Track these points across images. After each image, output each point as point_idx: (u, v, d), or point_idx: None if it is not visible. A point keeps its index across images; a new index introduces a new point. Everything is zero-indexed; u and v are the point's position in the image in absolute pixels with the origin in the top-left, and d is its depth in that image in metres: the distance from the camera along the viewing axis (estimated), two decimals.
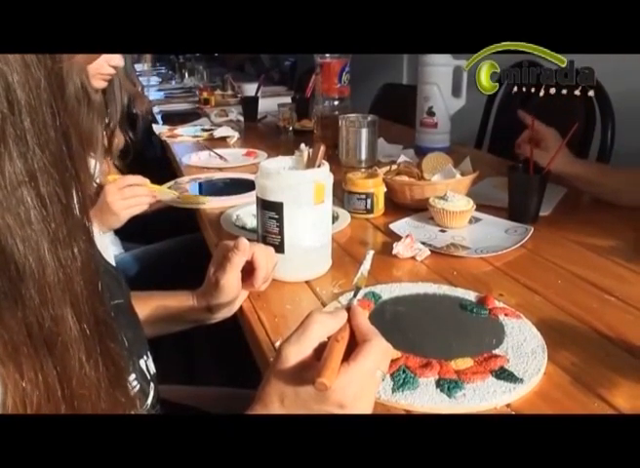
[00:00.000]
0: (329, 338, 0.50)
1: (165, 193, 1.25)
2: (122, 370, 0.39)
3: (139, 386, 0.60)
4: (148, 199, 1.11)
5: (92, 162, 0.90)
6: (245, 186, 1.34)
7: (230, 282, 0.75)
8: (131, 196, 1.08)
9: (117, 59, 0.75)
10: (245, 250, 0.74)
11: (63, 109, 0.33)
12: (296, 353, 0.48)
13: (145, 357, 0.65)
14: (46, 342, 0.32)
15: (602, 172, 1.16)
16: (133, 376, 0.59)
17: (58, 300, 0.33)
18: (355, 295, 0.58)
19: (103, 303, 0.38)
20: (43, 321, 0.32)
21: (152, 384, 0.64)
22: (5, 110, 0.30)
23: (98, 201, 1.07)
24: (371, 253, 0.63)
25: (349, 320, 0.51)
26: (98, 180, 1.09)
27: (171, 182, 1.43)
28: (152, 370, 0.66)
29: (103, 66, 0.76)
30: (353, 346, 0.49)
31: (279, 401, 0.48)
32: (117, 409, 0.37)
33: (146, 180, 1.36)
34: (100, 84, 0.78)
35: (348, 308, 0.53)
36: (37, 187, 0.32)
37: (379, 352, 0.49)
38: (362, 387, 0.48)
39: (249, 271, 0.77)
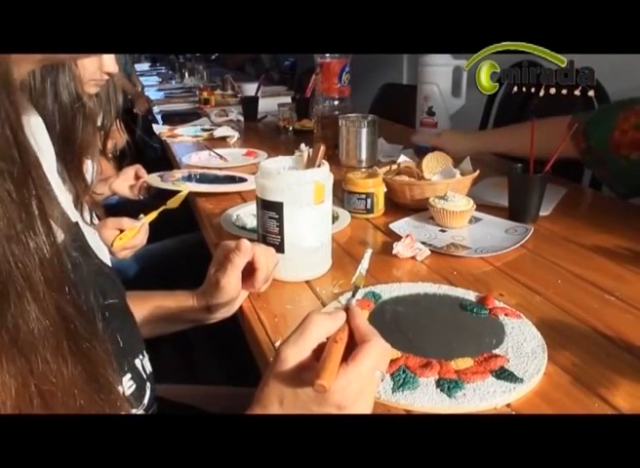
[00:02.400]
0: (328, 339, 0.50)
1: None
2: (100, 368, 0.38)
3: (134, 386, 0.59)
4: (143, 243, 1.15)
5: (88, 163, 0.91)
6: (235, 180, 1.36)
7: (231, 283, 0.76)
8: (133, 250, 1.16)
9: (110, 66, 0.75)
10: (247, 251, 0.75)
11: (9, 101, 0.32)
12: (294, 355, 0.48)
13: (141, 356, 0.64)
14: (7, 337, 0.32)
15: (486, 140, 1.32)
16: (128, 376, 0.58)
17: (15, 296, 0.32)
18: (354, 295, 0.58)
19: (73, 301, 0.37)
20: (1, 316, 0.32)
21: (149, 384, 0.63)
22: None
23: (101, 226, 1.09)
24: (369, 251, 0.63)
25: (348, 320, 0.51)
26: (96, 180, 1.10)
27: (162, 172, 1.45)
28: (149, 369, 0.65)
29: (97, 73, 0.76)
30: (352, 347, 0.49)
31: (278, 402, 0.48)
32: (95, 407, 0.37)
33: (140, 166, 1.38)
34: (93, 90, 0.78)
35: (347, 308, 0.53)
36: None
37: (378, 352, 0.48)
38: (361, 388, 0.48)
39: (249, 271, 0.77)
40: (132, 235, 1.11)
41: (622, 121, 1.09)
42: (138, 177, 1.41)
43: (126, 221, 1.12)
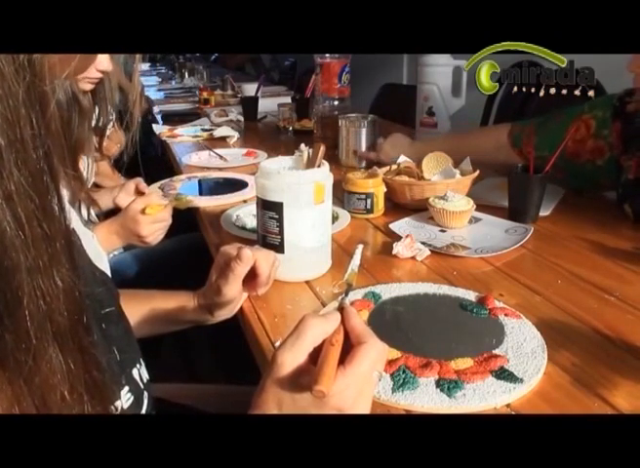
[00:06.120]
0: (324, 341, 0.49)
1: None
2: (107, 397, 0.37)
3: (132, 398, 0.58)
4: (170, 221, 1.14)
5: (84, 162, 0.91)
6: (236, 186, 1.35)
7: (232, 290, 0.76)
8: (162, 228, 1.13)
9: (105, 64, 0.74)
10: (248, 261, 0.75)
11: (45, 129, 0.31)
12: (291, 359, 0.47)
13: (138, 365, 0.63)
14: (23, 376, 0.30)
15: (425, 152, 1.29)
16: (126, 389, 0.58)
17: (37, 332, 0.30)
18: (347, 294, 0.57)
19: (89, 331, 0.35)
20: (20, 354, 0.30)
21: (146, 393, 0.62)
22: None
23: (121, 221, 1.09)
24: (360, 247, 0.62)
25: (343, 321, 0.50)
26: (92, 180, 1.10)
27: (165, 180, 1.44)
28: (145, 377, 0.64)
29: (91, 71, 0.75)
30: (348, 348, 0.48)
31: (277, 408, 0.47)
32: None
33: (140, 179, 1.38)
34: (87, 87, 0.78)
35: (341, 308, 0.52)
36: (13, 209, 0.29)
37: (375, 354, 0.48)
38: (359, 390, 0.47)
39: (250, 275, 0.77)
40: (160, 209, 1.10)
41: (574, 131, 1.11)
42: (138, 191, 1.41)
43: (154, 197, 1.13)
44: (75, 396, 0.33)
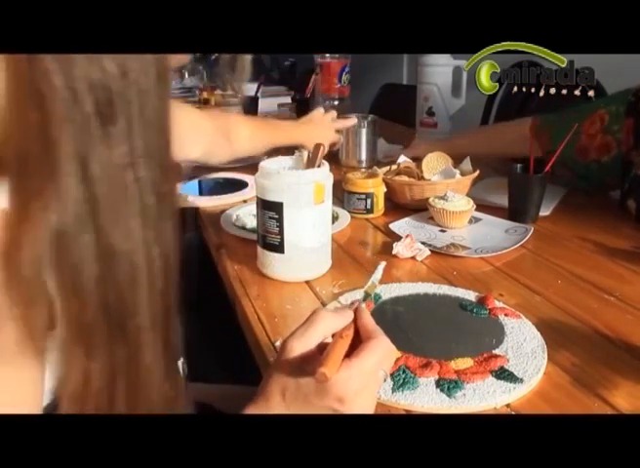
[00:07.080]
0: (333, 336, 0.50)
1: None
2: (175, 362, 0.40)
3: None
4: None
5: None
6: (236, 186, 1.36)
7: None
8: None
9: None
10: None
11: (165, 100, 0.35)
12: (300, 347, 0.49)
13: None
14: (121, 327, 0.33)
15: (453, 146, 1.30)
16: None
17: (142, 285, 0.33)
18: (364, 300, 0.59)
19: (174, 296, 0.38)
20: (123, 305, 0.32)
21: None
22: (119, 88, 0.31)
23: None
24: (383, 263, 0.64)
25: (355, 320, 0.52)
26: None
27: None
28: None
29: None
30: (357, 345, 0.50)
31: (280, 394, 0.49)
32: (163, 403, 0.38)
33: None
34: None
35: (355, 309, 0.54)
36: (137, 172, 0.32)
37: (382, 350, 0.49)
38: (363, 384, 0.48)
39: None
40: None
41: (589, 125, 1.10)
42: None
43: None
44: (157, 355, 0.36)
